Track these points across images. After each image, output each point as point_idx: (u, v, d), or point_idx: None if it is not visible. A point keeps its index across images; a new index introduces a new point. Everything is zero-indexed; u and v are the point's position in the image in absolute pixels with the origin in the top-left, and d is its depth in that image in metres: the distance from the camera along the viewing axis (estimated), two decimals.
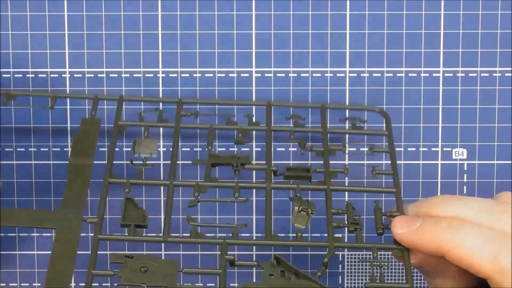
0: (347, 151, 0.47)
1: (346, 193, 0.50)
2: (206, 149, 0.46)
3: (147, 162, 0.45)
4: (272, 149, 0.46)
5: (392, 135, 0.47)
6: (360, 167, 0.50)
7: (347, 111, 0.50)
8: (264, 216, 0.42)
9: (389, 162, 0.46)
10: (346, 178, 0.48)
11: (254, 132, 0.50)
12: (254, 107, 0.50)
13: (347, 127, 0.49)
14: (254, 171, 0.50)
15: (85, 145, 0.45)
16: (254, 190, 0.50)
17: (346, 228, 0.42)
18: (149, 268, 0.38)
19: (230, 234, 0.41)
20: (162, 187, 0.50)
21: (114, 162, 0.45)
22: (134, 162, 0.45)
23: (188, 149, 0.51)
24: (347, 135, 0.50)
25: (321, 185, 0.44)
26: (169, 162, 0.44)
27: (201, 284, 0.51)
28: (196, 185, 0.43)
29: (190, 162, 0.49)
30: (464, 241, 0.37)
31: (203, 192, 0.43)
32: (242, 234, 0.41)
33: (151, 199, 0.51)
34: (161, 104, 0.49)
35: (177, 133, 0.46)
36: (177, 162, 0.44)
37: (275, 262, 0.39)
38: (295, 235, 0.46)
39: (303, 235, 0.42)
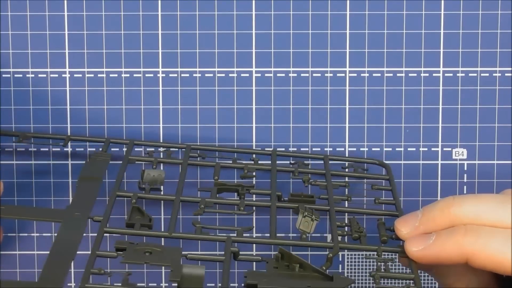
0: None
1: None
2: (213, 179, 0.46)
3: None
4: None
5: (395, 184, 0.47)
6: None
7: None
8: (264, 216, 0.42)
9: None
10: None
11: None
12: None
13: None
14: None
15: (93, 173, 0.45)
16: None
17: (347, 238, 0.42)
18: (153, 252, 0.38)
19: (234, 234, 0.41)
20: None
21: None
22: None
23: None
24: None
25: (325, 206, 0.44)
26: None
27: None
28: (203, 200, 0.43)
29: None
30: (486, 243, 0.37)
31: (208, 206, 0.43)
32: (244, 235, 0.41)
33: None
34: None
35: (184, 168, 0.47)
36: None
37: (279, 255, 0.39)
38: (295, 235, 0.46)
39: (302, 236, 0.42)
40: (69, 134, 0.50)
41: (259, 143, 0.50)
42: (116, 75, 0.50)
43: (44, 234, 0.52)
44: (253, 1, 0.50)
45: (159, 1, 0.50)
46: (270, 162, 0.48)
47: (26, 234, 0.52)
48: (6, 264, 0.52)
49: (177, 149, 0.50)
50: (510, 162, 0.50)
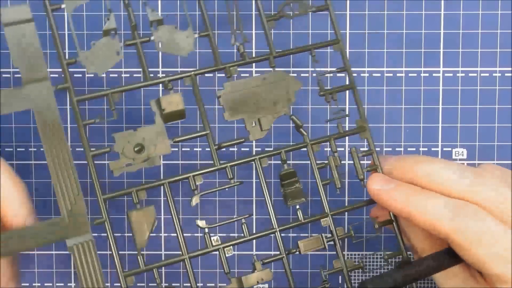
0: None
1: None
2: None
3: None
4: None
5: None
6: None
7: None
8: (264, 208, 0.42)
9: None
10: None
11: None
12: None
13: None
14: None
15: None
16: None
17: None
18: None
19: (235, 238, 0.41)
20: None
21: None
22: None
23: (188, 149, 0.51)
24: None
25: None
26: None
27: (201, 284, 0.51)
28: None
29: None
30: (428, 206, 0.41)
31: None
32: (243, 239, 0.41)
33: (151, 199, 0.51)
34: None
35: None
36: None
37: None
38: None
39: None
40: (69, 133, 0.50)
41: (259, 142, 0.51)
42: (116, 75, 0.50)
43: None
44: (253, 1, 0.50)
45: (159, 1, 0.50)
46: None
47: None
48: None
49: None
50: (510, 162, 0.51)
